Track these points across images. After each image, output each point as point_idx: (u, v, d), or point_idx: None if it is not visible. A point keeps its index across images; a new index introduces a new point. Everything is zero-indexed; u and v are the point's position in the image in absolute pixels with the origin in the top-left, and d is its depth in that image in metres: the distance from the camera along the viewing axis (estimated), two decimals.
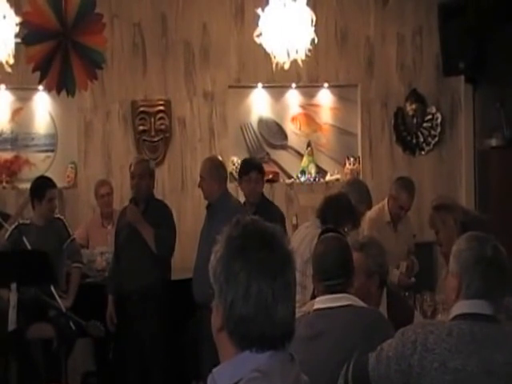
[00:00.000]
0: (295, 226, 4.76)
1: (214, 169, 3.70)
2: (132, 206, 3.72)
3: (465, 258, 1.62)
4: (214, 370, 1.12)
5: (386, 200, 4.03)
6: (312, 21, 3.95)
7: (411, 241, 4.11)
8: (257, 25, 3.99)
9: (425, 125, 5.31)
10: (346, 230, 2.82)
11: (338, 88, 5.30)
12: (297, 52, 3.95)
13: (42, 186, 3.96)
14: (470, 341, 1.54)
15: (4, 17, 3.74)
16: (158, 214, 3.79)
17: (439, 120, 5.29)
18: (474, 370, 1.51)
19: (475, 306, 1.59)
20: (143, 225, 3.71)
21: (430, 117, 5.31)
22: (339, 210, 2.96)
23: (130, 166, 3.91)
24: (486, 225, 2.57)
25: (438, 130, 5.29)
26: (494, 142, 4.96)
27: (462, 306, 1.60)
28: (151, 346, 3.72)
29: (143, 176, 3.80)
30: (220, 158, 4.14)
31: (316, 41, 3.99)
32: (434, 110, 5.30)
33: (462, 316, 1.59)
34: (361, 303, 2.06)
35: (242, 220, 1.13)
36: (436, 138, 5.30)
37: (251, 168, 3.86)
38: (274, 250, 1.10)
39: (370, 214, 3.95)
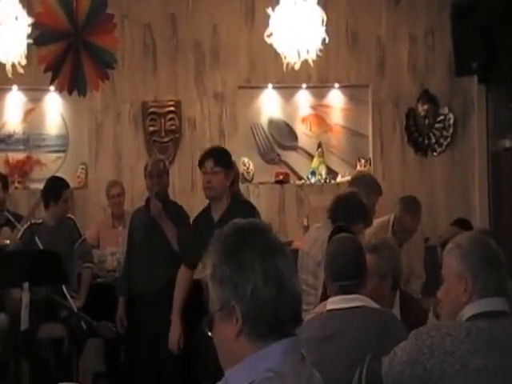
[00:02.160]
0: (306, 228, 4.74)
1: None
2: (156, 202, 3.73)
3: (475, 257, 1.60)
4: (227, 373, 1.12)
5: (392, 216, 3.88)
6: (323, 20, 3.94)
7: (417, 261, 3.85)
8: (267, 25, 3.98)
9: (437, 126, 5.27)
10: (357, 228, 2.79)
11: (348, 88, 5.28)
12: (307, 52, 3.93)
13: (58, 186, 3.99)
14: (488, 339, 1.52)
15: (16, 18, 3.76)
16: (176, 214, 3.81)
17: (451, 121, 5.25)
18: (494, 369, 1.50)
19: (492, 303, 1.57)
20: (166, 222, 3.72)
21: (442, 117, 5.27)
22: (350, 209, 2.94)
23: (146, 167, 3.93)
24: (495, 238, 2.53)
25: (451, 130, 5.25)
26: (507, 143, 4.92)
27: (477, 306, 1.58)
28: (165, 346, 3.72)
29: (161, 174, 3.84)
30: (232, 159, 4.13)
31: (327, 41, 3.97)
32: (446, 110, 5.26)
33: (479, 315, 1.57)
34: (374, 304, 2.05)
35: (224, 228, 1.16)
36: (448, 139, 5.26)
37: (206, 157, 3.15)
38: (267, 233, 1.15)
39: (371, 228, 3.85)
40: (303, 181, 5.24)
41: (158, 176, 3.83)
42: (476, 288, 1.59)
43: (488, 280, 1.58)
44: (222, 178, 3.09)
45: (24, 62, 3.84)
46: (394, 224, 3.84)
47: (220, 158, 3.13)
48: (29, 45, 3.87)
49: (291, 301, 1.11)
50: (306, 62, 3.98)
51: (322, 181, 5.19)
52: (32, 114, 5.07)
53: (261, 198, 4.93)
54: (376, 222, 3.87)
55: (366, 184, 3.54)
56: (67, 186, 4.01)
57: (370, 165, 5.25)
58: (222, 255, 1.12)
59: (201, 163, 3.16)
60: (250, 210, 3.16)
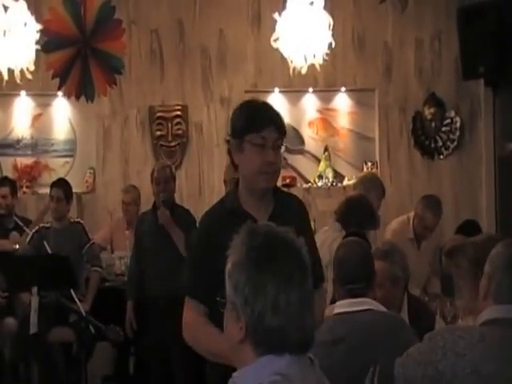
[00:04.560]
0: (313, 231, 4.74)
1: None
2: (163, 210, 3.75)
3: (498, 259, 1.61)
4: (235, 374, 1.13)
5: (412, 215, 3.94)
6: (329, 25, 3.96)
7: (435, 260, 3.90)
8: (274, 29, 4.00)
9: (443, 129, 5.27)
10: (366, 232, 2.81)
11: (355, 92, 5.29)
12: (314, 56, 3.96)
13: (50, 185, 4.10)
14: (501, 345, 1.52)
15: (25, 24, 3.80)
16: (184, 218, 3.82)
17: (458, 124, 5.24)
18: (506, 375, 1.49)
19: (506, 310, 1.57)
20: (174, 229, 3.74)
21: (448, 121, 5.27)
22: (360, 212, 2.95)
23: (153, 173, 3.93)
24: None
25: (457, 134, 5.24)
26: None
27: (492, 311, 1.58)
28: (176, 351, 3.73)
29: (168, 181, 3.85)
30: None
31: (333, 45, 3.99)
32: (452, 114, 5.26)
33: (493, 321, 1.57)
34: (382, 308, 2.05)
35: (258, 228, 1.13)
36: (455, 143, 5.25)
37: (265, 121, 1.81)
38: (296, 257, 1.11)
39: (393, 226, 3.90)
40: (310, 184, 5.24)
41: (164, 182, 3.83)
42: (491, 288, 1.59)
43: (502, 282, 1.59)
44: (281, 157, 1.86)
45: (32, 68, 3.89)
46: (415, 222, 3.88)
47: (283, 125, 1.84)
48: (37, 51, 3.91)
49: (300, 333, 1.09)
50: (312, 66, 4.00)
51: (329, 184, 5.20)
52: (40, 119, 5.11)
53: None
54: (396, 220, 3.92)
55: (376, 186, 3.59)
56: (55, 185, 4.06)
57: (377, 168, 5.25)
58: (244, 264, 1.10)
59: (254, 128, 1.77)
60: (302, 207, 1.99)
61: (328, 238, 3.05)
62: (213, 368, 1.89)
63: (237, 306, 1.10)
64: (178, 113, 5.11)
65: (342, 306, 2.03)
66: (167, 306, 3.71)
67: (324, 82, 5.16)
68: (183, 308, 4.04)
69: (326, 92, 5.28)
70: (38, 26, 3.86)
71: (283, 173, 5.32)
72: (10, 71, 3.88)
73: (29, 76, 3.90)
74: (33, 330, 3.33)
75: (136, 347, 4.00)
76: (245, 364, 1.12)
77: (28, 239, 3.95)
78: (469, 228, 3.83)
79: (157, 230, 3.78)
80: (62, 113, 5.12)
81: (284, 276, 1.09)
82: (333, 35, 3.98)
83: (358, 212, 2.95)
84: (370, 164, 5.24)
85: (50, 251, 3.73)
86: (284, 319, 1.08)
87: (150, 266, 3.83)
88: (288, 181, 5.20)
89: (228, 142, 1.89)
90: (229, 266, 1.11)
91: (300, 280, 1.10)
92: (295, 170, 5.30)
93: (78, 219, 4.26)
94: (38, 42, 3.89)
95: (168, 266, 3.75)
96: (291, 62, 3.99)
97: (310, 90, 5.22)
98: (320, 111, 5.31)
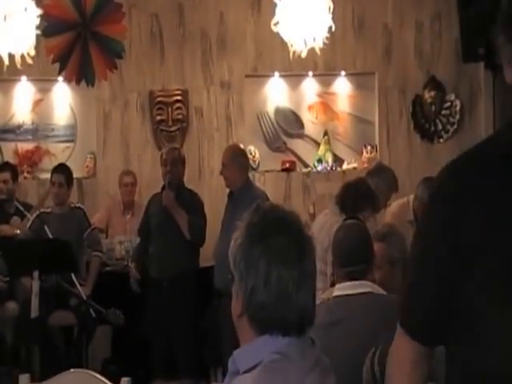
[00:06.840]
0: (312, 215, 4.77)
1: (236, 156, 3.72)
2: (168, 192, 3.77)
3: None
4: (235, 352, 1.16)
5: (412, 197, 3.97)
6: (329, 8, 3.94)
7: None
8: (274, 13, 3.99)
9: (443, 112, 5.27)
10: (365, 215, 2.84)
11: (355, 76, 5.27)
12: (314, 40, 3.94)
13: (51, 170, 4.11)
14: None
15: (25, 9, 3.78)
16: (190, 202, 3.85)
17: (458, 107, 5.24)
18: None
19: None
20: (178, 210, 3.76)
21: (448, 104, 5.26)
22: (358, 196, 2.98)
23: (162, 155, 3.97)
24: None
25: (457, 117, 5.24)
26: None
27: None
28: (178, 330, 3.77)
29: (175, 163, 3.87)
30: (242, 146, 4.17)
31: (333, 28, 3.98)
32: (452, 97, 5.25)
33: None
34: (381, 291, 2.07)
35: (261, 206, 1.15)
36: (455, 126, 5.25)
37: None
38: (293, 236, 1.12)
39: (392, 209, 3.93)
40: (309, 168, 5.25)
41: (171, 164, 3.86)
42: None
43: None
44: None
45: (33, 53, 3.87)
46: (415, 204, 3.90)
47: None
48: (38, 36, 3.90)
49: (294, 311, 1.10)
50: (312, 49, 3.99)
51: (329, 168, 5.21)
52: (41, 104, 5.11)
53: (267, 186, 4.96)
54: (395, 203, 3.94)
55: (385, 179, 3.63)
56: (57, 170, 4.09)
57: (376, 152, 5.26)
58: (241, 239, 1.12)
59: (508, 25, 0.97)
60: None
61: (327, 221, 3.07)
62: None
63: (236, 281, 1.13)
64: (178, 97, 5.11)
65: (342, 289, 2.05)
66: (169, 287, 3.75)
67: (324, 65, 5.15)
68: (184, 289, 3.98)
69: (326, 76, 5.26)
70: (38, 11, 3.84)
71: (283, 157, 5.34)
72: (11, 56, 3.87)
73: (29, 61, 3.89)
74: (34, 314, 3.36)
75: (137, 328, 4.04)
76: (245, 340, 1.14)
77: (29, 224, 3.97)
78: None
79: (161, 212, 3.81)
80: (63, 98, 5.11)
81: (277, 253, 1.10)
82: (333, 19, 3.96)
83: (355, 195, 2.99)
84: (369, 148, 5.25)
85: (50, 236, 3.75)
86: (275, 296, 1.09)
87: (153, 247, 3.88)
88: (287, 165, 5.21)
89: None
90: (232, 243, 1.14)
91: (296, 258, 1.10)
92: (295, 154, 5.31)
93: (79, 204, 4.29)
94: (38, 27, 3.87)
95: (170, 247, 3.78)
96: (291, 45, 3.98)
97: (310, 73, 5.21)
98: (320, 95, 5.30)
